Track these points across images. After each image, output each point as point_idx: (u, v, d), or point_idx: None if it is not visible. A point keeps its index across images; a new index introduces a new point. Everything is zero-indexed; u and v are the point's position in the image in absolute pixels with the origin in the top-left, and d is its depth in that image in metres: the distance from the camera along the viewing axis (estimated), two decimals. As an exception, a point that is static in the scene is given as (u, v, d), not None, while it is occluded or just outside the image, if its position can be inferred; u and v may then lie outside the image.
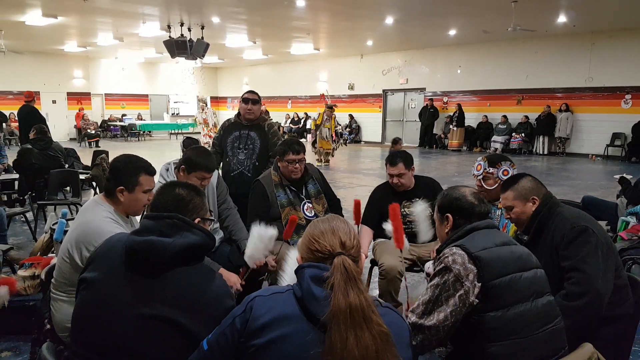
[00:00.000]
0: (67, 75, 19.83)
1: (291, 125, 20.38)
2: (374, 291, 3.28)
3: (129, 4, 10.47)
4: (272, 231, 2.27)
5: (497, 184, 2.65)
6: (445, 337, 1.63)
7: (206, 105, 14.36)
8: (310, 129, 12.55)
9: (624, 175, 4.54)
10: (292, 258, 1.93)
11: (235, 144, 3.78)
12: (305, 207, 3.10)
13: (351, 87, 19.52)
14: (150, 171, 2.12)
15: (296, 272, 1.30)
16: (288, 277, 1.94)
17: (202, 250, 1.53)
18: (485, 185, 2.72)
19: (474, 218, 1.78)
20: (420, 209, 2.59)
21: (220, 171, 3.75)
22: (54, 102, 19.03)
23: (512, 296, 1.60)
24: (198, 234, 1.49)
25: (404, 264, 2.96)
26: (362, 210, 3.04)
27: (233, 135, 3.80)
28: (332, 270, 1.23)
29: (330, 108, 11.90)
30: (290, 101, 21.83)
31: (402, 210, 3.13)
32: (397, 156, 3.12)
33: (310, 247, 1.32)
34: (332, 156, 12.15)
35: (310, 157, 13.20)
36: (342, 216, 2.91)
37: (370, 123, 19.03)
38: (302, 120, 20.28)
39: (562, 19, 11.52)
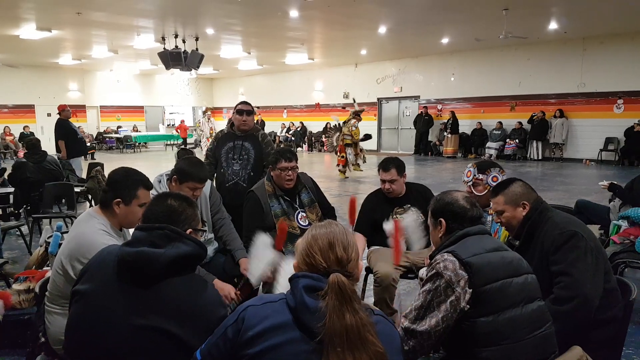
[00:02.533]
0: (63, 88, 19.84)
1: (287, 134, 20.43)
2: (369, 299, 3.29)
3: (123, 17, 10.52)
4: (270, 252, 2.31)
5: (486, 190, 2.68)
6: (436, 342, 1.65)
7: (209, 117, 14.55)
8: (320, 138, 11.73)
9: (613, 182, 4.59)
10: (285, 270, 1.96)
11: (230, 155, 3.79)
12: (299, 216, 3.11)
13: (346, 96, 19.60)
14: (148, 186, 2.15)
15: (290, 280, 1.30)
16: (282, 288, 1.97)
17: (194, 260, 1.54)
18: (475, 192, 2.75)
19: (466, 222, 1.80)
20: (410, 219, 2.61)
21: (214, 182, 3.76)
22: (48, 115, 18.99)
23: (503, 301, 1.61)
24: (189, 244, 1.50)
25: (398, 271, 2.98)
26: (357, 209, 3.06)
27: (227, 146, 3.81)
28: (327, 289, 1.22)
29: (358, 115, 11.19)
30: (285, 110, 21.90)
31: (394, 216, 3.17)
32: (390, 162, 3.18)
33: (306, 259, 1.31)
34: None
35: (306, 167, 13.16)
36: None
37: (366, 131, 18.99)
38: (298, 129, 20.34)
39: (553, 25, 11.64)
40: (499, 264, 1.67)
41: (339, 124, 11.62)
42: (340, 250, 1.29)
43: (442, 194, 1.92)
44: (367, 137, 11.62)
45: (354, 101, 12.86)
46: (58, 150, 8.17)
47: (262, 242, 2.38)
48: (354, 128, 11.04)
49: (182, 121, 21.13)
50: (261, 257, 2.34)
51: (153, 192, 2.65)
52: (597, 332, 1.94)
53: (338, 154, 11.42)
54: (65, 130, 8.16)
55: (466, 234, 1.76)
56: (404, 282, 3.48)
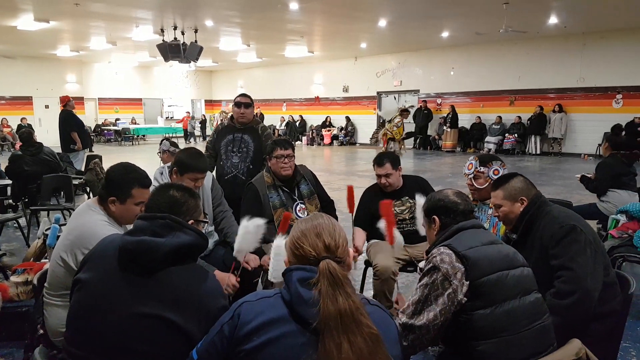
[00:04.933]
0: (60, 79, 19.74)
1: (286, 127, 20.39)
2: (369, 292, 3.30)
3: (122, 8, 10.45)
4: (257, 221, 2.22)
5: (487, 183, 2.69)
6: (435, 336, 1.65)
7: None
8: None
9: (584, 174, 4.68)
10: (278, 246, 1.95)
11: (229, 147, 3.78)
12: (298, 208, 3.11)
13: (346, 90, 19.57)
14: (145, 184, 2.10)
15: (284, 275, 1.31)
16: (275, 270, 1.96)
17: (195, 250, 1.54)
18: (475, 184, 2.76)
19: (459, 216, 1.82)
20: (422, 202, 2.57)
21: (214, 174, 3.75)
22: (46, 107, 18.95)
23: (499, 294, 1.62)
24: (190, 234, 1.51)
25: (397, 264, 2.99)
26: (355, 198, 3.04)
27: (227, 139, 3.80)
28: (318, 277, 1.23)
29: (407, 111, 11.32)
30: (285, 104, 21.85)
31: (393, 209, 3.16)
32: (384, 157, 3.21)
33: (295, 251, 1.32)
34: None
35: (307, 161, 13.14)
36: (336, 217, 2.93)
37: (365, 125, 19.06)
38: (297, 122, 20.32)
39: (553, 20, 11.61)
40: (495, 257, 1.68)
41: (385, 120, 11.83)
42: (327, 238, 1.30)
43: (432, 194, 1.98)
44: (409, 135, 11.79)
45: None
46: (67, 142, 8.00)
47: (247, 221, 2.23)
48: (395, 128, 11.09)
49: (188, 113, 22.10)
50: (244, 229, 2.22)
51: (155, 184, 2.65)
52: (596, 325, 1.95)
53: (383, 147, 11.54)
54: (75, 122, 8.12)
55: (461, 229, 1.78)
56: (403, 275, 3.48)
